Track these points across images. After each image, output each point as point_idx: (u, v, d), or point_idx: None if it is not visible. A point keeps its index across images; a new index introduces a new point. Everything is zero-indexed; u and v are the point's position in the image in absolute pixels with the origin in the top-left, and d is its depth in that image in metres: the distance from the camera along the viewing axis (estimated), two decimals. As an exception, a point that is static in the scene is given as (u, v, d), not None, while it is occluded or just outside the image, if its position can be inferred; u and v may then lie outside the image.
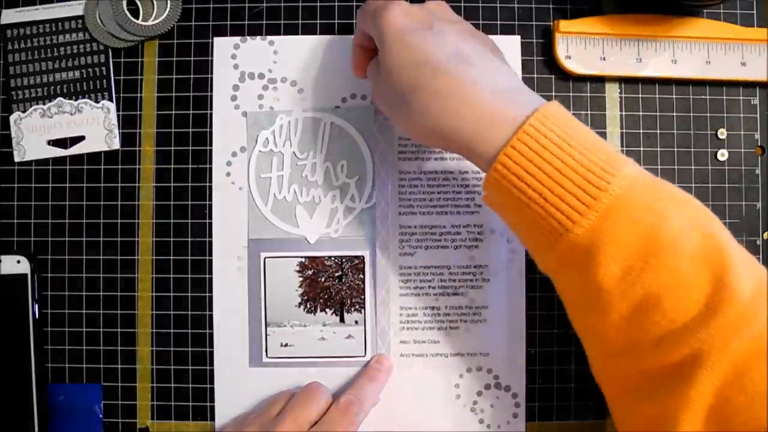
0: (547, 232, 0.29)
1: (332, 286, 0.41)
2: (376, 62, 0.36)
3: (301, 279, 0.41)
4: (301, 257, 0.42)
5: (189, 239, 0.42)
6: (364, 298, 0.41)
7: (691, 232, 0.28)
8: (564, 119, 0.29)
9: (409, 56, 0.32)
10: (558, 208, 0.28)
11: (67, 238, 0.42)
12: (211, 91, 0.42)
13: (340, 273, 0.42)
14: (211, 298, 0.42)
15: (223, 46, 0.42)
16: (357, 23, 0.37)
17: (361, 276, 0.41)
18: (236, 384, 0.41)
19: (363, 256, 0.41)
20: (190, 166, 0.42)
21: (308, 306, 0.41)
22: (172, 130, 0.42)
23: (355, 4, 0.43)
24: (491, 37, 0.42)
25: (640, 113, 0.43)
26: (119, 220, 0.42)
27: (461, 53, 0.31)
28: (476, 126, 0.30)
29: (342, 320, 0.42)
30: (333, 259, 0.42)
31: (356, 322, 0.41)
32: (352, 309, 0.42)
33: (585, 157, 0.28)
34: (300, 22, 0.43)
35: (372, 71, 0.36)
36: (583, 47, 0.42)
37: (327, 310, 0.42)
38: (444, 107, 0.31)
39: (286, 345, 0.41)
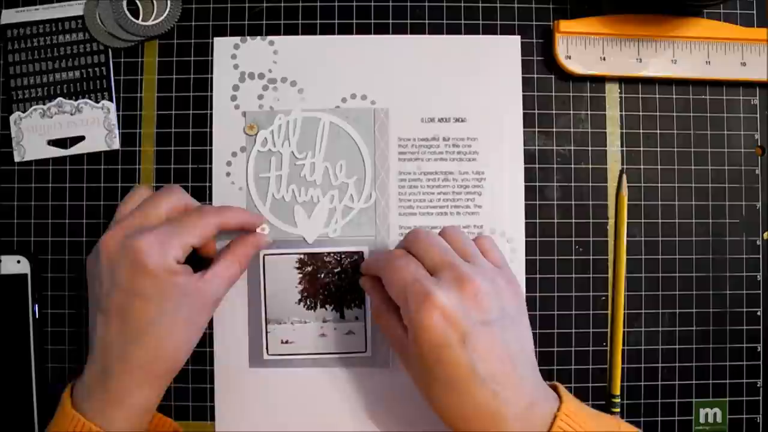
0: None
1: (332, 282, 0.41)
2: (400, 327, 0.35)
3: (301, 275, 0.41)
4: (301, 254, 0.42)
5: (189, 239, 0.42)
6: (364, 294, 0.41)
7: None
8: None
9: (440, 374, 0.32)
10: None
11: (67, 238, 0.42)
12: (211, 91, 0.42)
13: (339, 269, 0.42)
14: (210, 297, 0.42)
15: (223, 46, 0.42)
16: (381, 271, 0.36)
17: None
18: (236, 383, 0.41)
19: (362, 252, 0.41)
20: (190, 166, 0.42)
21: (308, 302, 0.41)
22: (172, 130, 0.42)
23: (355, 4, 0.43)
24: (491, 37, 0.43)
25: (640, 113, 0.43)
26: (119, 220, 0.42)
27: (493, 376, 0.31)
28: None
29: (342, 316, 0.42)
30: (332, 255, 0.42)
31: (356, 318, 0.41)
32: (352, 305, 0.42)
33: None
34: (300, 22, 0.43)
35: (399, 338, 0.35)
36: (583, 47, 0.42)
37: (327, 306, 0.42)
38: None
39: (286, 342, 0.41)
